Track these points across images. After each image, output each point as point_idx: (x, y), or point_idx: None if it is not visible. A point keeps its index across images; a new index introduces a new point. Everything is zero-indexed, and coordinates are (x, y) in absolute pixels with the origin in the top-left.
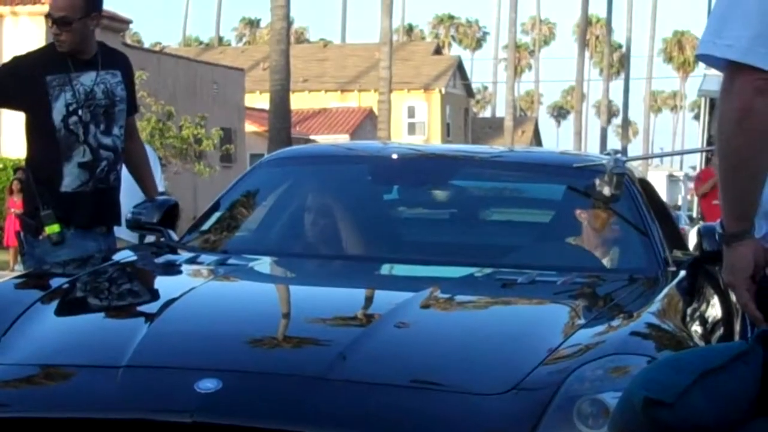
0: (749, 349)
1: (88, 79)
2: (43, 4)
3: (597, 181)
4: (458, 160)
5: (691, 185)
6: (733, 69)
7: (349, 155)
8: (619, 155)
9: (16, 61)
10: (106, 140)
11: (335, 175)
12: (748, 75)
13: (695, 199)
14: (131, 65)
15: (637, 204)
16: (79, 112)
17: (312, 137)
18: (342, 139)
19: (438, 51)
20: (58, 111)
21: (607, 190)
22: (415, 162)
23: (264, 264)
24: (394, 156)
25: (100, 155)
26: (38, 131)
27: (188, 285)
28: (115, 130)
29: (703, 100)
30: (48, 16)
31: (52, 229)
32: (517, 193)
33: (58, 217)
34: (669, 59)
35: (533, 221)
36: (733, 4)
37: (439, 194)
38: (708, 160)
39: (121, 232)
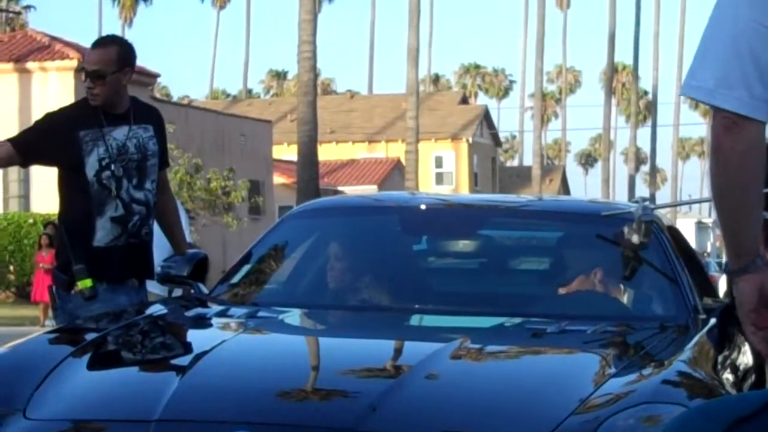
0: None
1: (120, 133)
2: (71, 59)
3: (626, 229)
4: (486, 210)
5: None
6: (712, 109)
7: (377, 206)
8: (647, 203)
9: (49, 117)
10: (139, 194)
11: (363, 226)
12: (717, 114)
13: (723, 245)
14: (163, 119)
15: (666, 251)
16: (112, 166)
17: (340, 188)
18: (370, 189)
19: (464, 100)
20: (91, 166)
21: (635, 238)
22: (444, 212)
23: (293, 316)
24: (423, 207)
25: (132, 209)
26: (71, 186)
27: (218, 338)
28: (147, 185)
29: None
30: (82, 69)
31: (85, 284)
32: (546, 242)
33: (91, 271)
34: (696, 105)
35: (563, 270)
36: (707, 46)
37: (468, 244)
38: None
39: (152, 286)
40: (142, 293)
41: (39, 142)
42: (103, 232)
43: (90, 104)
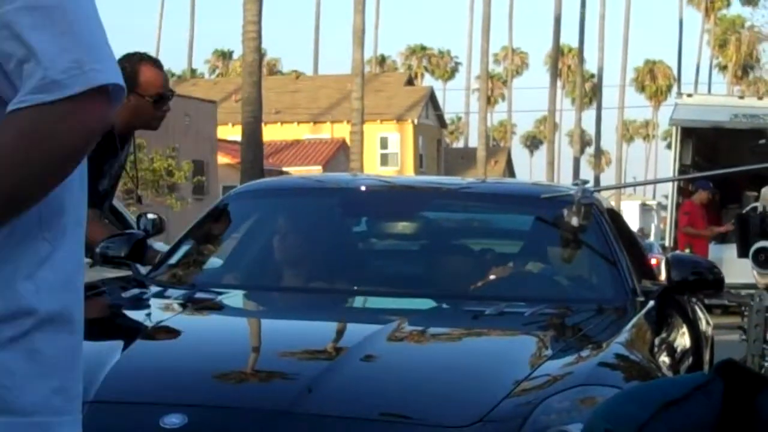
0: (710, 379)
1: (124, 153)
2: None
3: (565, 212)
4: (427, 192)
5: (664, 214)
6: None
7: (318, 187)
8: (587, 185)
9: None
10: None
11: (304, 207)
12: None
13: (668, 228)
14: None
15: (605, 234)
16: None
17: (285, 169)
18: (315, 170)
19: (410, 82)
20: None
21: (574, 221)
22: (385, 194)
23: (231, 298)
24: (363, 188)
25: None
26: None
27: (155, 319)
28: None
29: (674, 129)
30: (161, 96)
31: None
32: (487, 225)
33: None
34: (641, 88)
35: (502, 252)
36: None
37: (408, 226)
38: (681, 190)
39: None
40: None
41: None
42: None
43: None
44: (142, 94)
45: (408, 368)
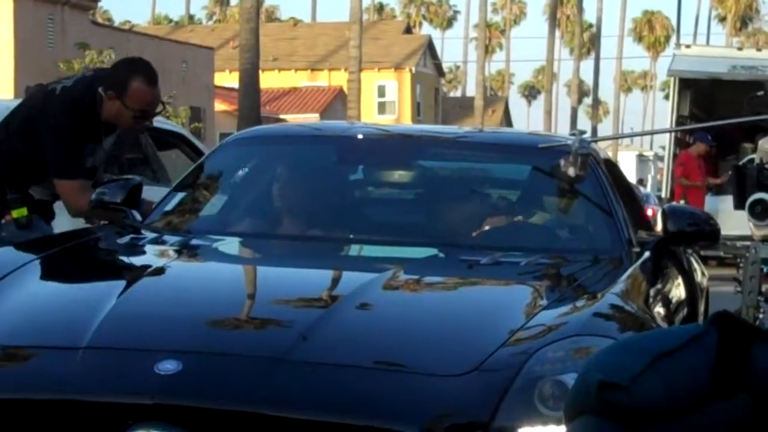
0: (704, 331)
1: (108, 142)
2: None
3: (562, 162)
4: (424, 141)
5: (660, 165)
6: None
7: (315, 135)
8: (584, 136)
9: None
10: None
11: (300, 155)
12: None
13: (665, 179)
14: None
15: (602, 184)
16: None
17: (282, 116)
18: (312, 118)
19: (408, 30)
20: None
21: (571, 171)
22: (381, 142)
23: (227, 245)
24: (360, 136)
25: None
26: (35, 166)
27: (150, 266)
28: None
29: (672, 80)
30: (142, 112)
31: (20, 212)
32: (483, 174)
33: (25, 201)
34: (639, 39)
35: (499, 202)
36: None
37: (405, 175)
38: (678, 141)
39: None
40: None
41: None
42: (39, 195)
43: (95, 116)
44: (127, 104)
45: (403, 317)
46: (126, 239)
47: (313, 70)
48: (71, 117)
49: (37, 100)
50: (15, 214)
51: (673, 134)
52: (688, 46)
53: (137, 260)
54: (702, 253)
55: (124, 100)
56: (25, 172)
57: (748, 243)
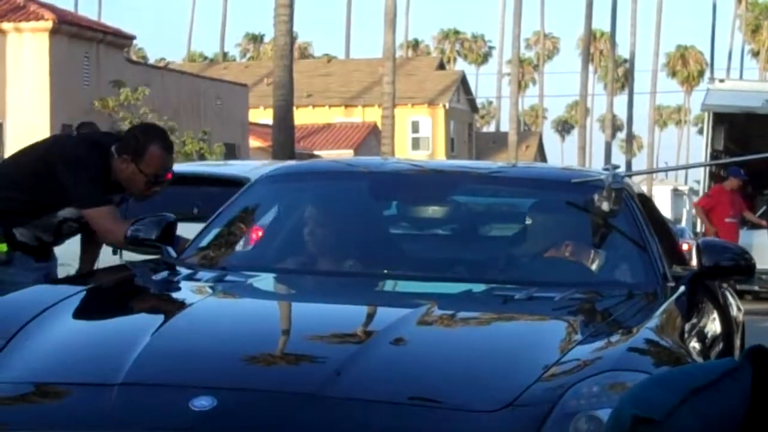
0: (739, 365)
1: (116, 198)
2: (46, 20)
3: (596, 197)
4: (458, 176)
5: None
6: None
7: (348, 171)
8: (618, 170)
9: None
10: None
11: (334, 191)
12: None
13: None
14: None
15: (636, 219)
16: (75, 224)
17: (316, 153)
18: (346, 154)
19: (442, 66)
20: (66, 212)
21: (605, 206)
22: (415, 178)
23: (262, 281)
24: (394, 173)
25: (62, 240)
26: (40, 205)
27: (185, 302)
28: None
29: (707, 114)
30: (157, 177)
31: (0, 248)
32: (517, 209)
33: (6, 237)
34: (673, 74)
35: (532, 237)
36: None
37: (439, 210)
38: (713, 175)
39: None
40: (52, 263)
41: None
42: (23, 237)
43: (108, 165)
44: (142, 168)
45: (437, 352)
46: (161, 275)
47: (347, 106)
48: (90, 152)
49: (48, 144)
50: None
51: (707, 169)
52: (722, 81)
53: (172, 296)
54: (738, 287)
55: (139, 164)
56: (8, 209)
57: None
